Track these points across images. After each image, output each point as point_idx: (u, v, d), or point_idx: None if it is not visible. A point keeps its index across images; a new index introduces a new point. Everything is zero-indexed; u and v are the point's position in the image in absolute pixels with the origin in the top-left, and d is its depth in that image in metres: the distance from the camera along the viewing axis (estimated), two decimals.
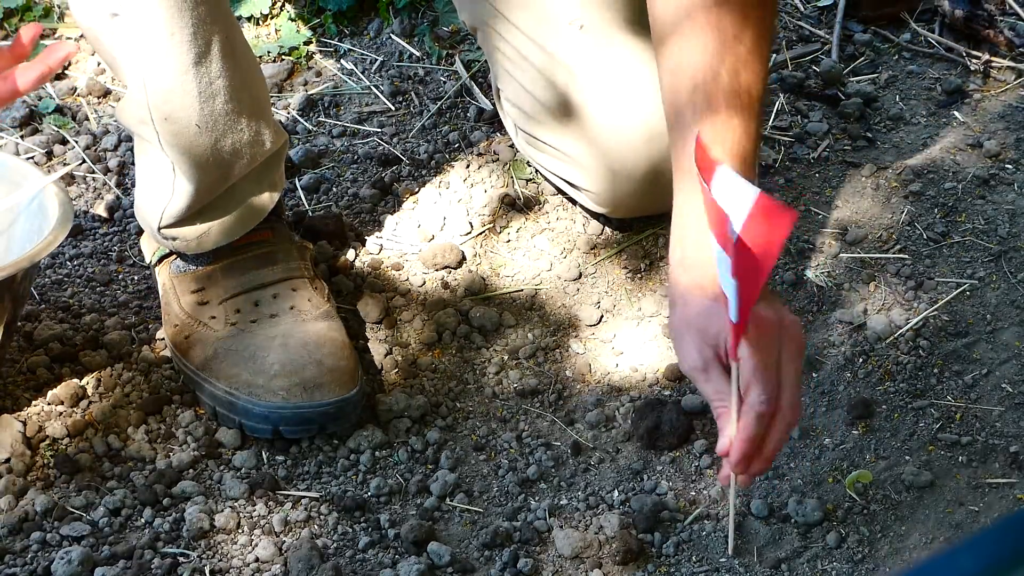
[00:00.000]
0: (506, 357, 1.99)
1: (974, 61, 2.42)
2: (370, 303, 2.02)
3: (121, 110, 1.89)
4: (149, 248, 2.02)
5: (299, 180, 2.21)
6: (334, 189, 2.21)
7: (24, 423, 1.86)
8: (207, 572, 1.73)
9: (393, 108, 2.34)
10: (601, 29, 1.98)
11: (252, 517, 1.79)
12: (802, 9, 2.52)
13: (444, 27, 2.47)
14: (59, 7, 2.51)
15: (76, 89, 2.39)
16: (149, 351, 1.97)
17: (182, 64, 1.78)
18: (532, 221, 2.14)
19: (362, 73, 2.41)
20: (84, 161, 2.26)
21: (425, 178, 2.21)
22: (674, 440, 1.88)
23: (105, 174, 2.24)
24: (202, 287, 1.94)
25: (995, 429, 1.88)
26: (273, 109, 2.30)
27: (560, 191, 2.15)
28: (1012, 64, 2.41)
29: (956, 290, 2.04)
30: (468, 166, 2.21)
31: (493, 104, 2.30)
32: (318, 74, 2.42)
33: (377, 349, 1.99)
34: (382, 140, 2.28)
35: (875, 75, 2.39)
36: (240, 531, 1.77)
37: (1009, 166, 2.22)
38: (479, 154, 2.23)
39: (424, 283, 2.07)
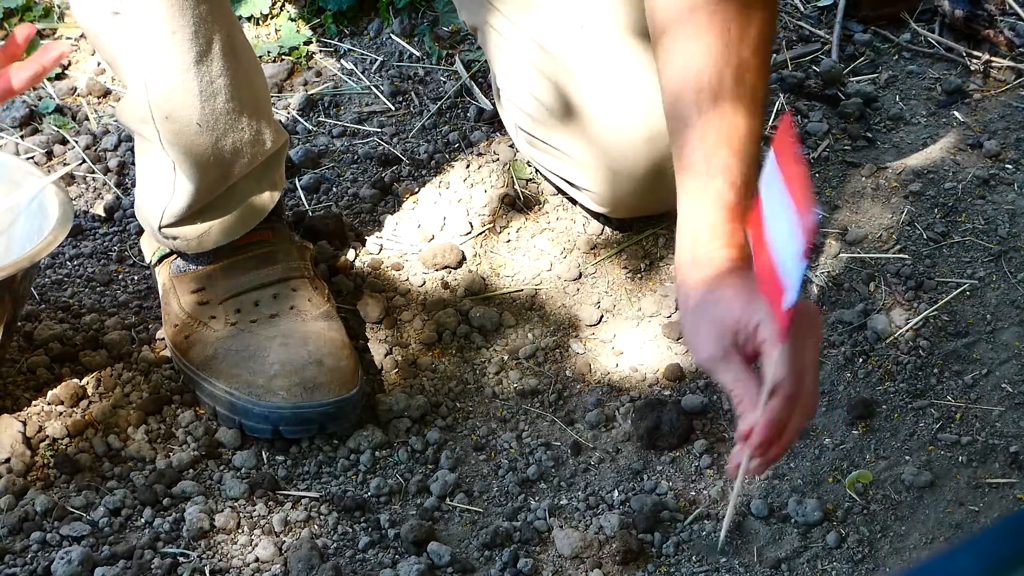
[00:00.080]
0: (506, 357, 1.99)
1: (974, 61, 2.42)
2: (370, 303, 2.02)
3: (122, 109, 1.89)
4: (149, 248, 2.02)
5: (299, 180, 2.21)
6: (334, 189, 2.21)
7: (24, 423, 1.86)
8: (207, 572, 1.73)
9: (393, 108, 2.34)
10: (602, 29, 1.98)
11: (252, 517, 1.79)
12: (802, 9, 2.52)
13: (444, 27, 2.47)
14: (59, 7, 2.51)
15: (76, 89, 2.39)
16: (149, 351, 1.97)
17: (183, 63, 1.78)
18: (532, 221, 2.14)
19: (362, 73, 2.41)
20: (84, 161, 2.26)
21: (425, 178, 2.21)
22: (674, 440, 1.88)
23: (105, 174, 2.24)
24: (202, 287, 1.94)
25: (995, 429, 1.88)
26: (273, 109, 2.30)
27: (560, 191, 2.15)
28: (1012, 64, 2.41)
29: (956, 290, 2.04)
30: (468, 166, 2.21)
31: (493, 104, 2.30)
32: (318, 74, 2.42)
33: (377, 349, 1.99)
34: (382, 140, 2.28)
35: (875, 75, 2.39)
36: (240, 531, 1.77)
37: (1009, 166, 2.22)
38: (479, 154, 2.23)
39: (424, 283, 2.07)
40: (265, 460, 1.85)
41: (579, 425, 1.92)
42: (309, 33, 2.48)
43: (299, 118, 2.33)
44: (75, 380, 1.92)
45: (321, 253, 2.08)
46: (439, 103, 2.34)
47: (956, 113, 2.32)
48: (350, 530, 1.78)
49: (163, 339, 1.97)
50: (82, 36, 2.46)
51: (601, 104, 1.98)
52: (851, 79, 2.38)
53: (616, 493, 1.83)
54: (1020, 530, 0.84)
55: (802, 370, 1.47)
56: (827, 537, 1.78)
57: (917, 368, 1.95)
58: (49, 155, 2.28)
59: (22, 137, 2.30)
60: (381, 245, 2.12)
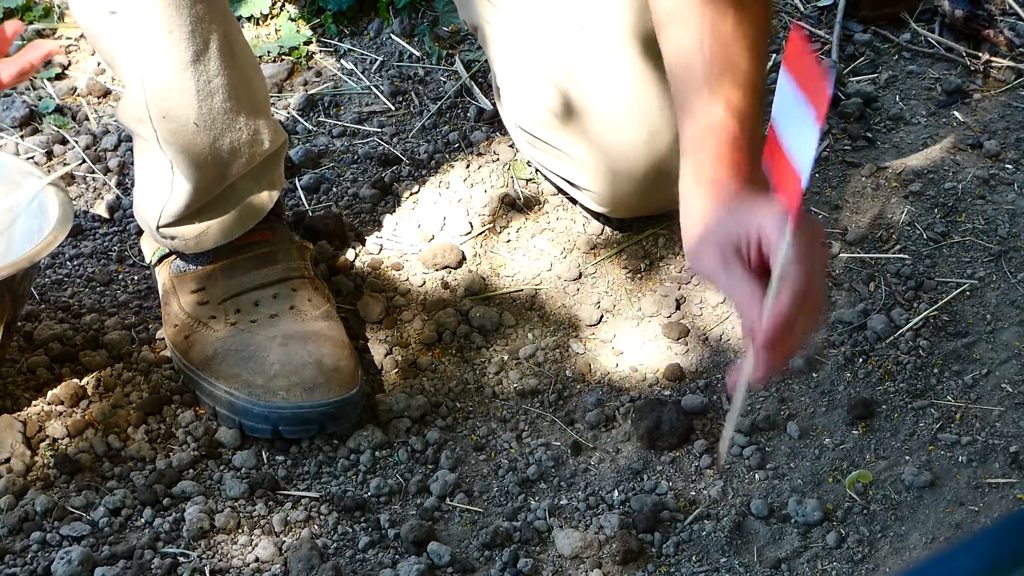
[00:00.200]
0: (506, 357, 1.99)
1: (974, 61, 2.42)
2: (370, 303, 2.02)
3: (120, 109, 1.89)
4: (149, 248, 2.02)
5: (299, 180, 2.21)
6: (334, 189, 2.21)
7: (24, 423, 1.86)
8: (207, 572, 1.73)
9: (393, 108, 2.34)
10: (602, 29, 1.98)
11: (252, 517, 1.79)
12: (802, 9, 2.52)
13: (444, 27, 2.47)
14: (59, 7, 2.51)
15: (76, 89, 2.39)
16: (149, 351, 1.97)
17: (180, 62, 1.77)
18: (532, 221, 2.14)
19: (362, 73, 2.41)
20: (84, 161, 2.26)
21: (425, 178, 2.21)
22: (674, 440, 1.88)
23: (105, 174, 2.24)
24: (202, 287, 1.94)
25: (995, 429, 1.88)
26: (273, 109, 2.30)
27: (560, 190, 2.15)
28: (1012, 64, 2.41)
29: (956, 290, 2.04)
30: (468, 166, 2.21)
31: (493, 104, 2.30)
32: (318, 74, 2.42)
33: (377, 349, 1.99)
34: (382, 140, 2.28)
35: (875, 75, 2.39)
36: (240, 531, 1.77)
37: (1009, 166, 2.22)
38: (479, 154, 2.23)
39: (424, 283, 2.07)
40: (265, 460, 1.85)
41: (579, 425, 1.92)
42: (309, 33, 2.48)
43: (299, 118, 2.33)
44: (75, 380, 1.92)
45: (321, 253, 2.08)
46: (439, 103, 2.34)
47: (956, 113, 2.32)
48: (350, 530, 1.78)
49: (163, 339, 1.97)
50: (82, 36, 2.46)
51: (601, 104, 1.98)
52: (851, 79, 2.38)
53: (616, 493, 1.83)
54: (1020, 530, 0.84)
55: (810, 269, 1.45)
56: (827, 537, 1.78)
57: (917, 368, 1.95)
58: (49, 155, 2.28)
59: (22, 137, 2.30)
60: (381, 245, 2.12)
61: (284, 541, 1.76)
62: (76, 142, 2.28)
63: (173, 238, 1.91)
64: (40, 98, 2.36)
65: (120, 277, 2.09)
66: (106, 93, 2.39)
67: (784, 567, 1.76)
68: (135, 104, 1.83)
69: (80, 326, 2.00)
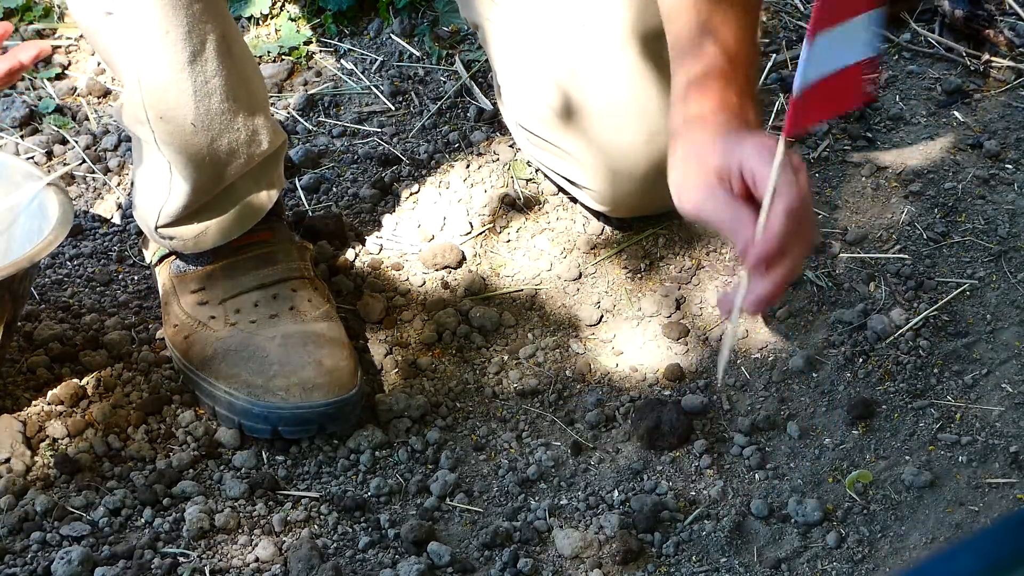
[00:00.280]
0: (506, 357, 1.99)
1: (974, 61, 2.42)
2: (370, 303, 2.02)
3: (118, 109, 1.89)
4: (150, 247, 2.02)
5: (299, 180, 2.21)
6: (334, 189, 2.21)
7: (24, 423, 1.86)
8: (207, 572, 1.73)
9: (393, 108, 2.34)
10: (603, 28, 1.98)
11: (252, 517, 1.79)
12: (802, 9, 2.52)
13: (444, 27, 2.47)
14: (59, 7, 2.51)
15: (76, 89, 2.39)
16: (149, 351, 1.97)
17: (177, 62, 1.77)
18: (532, 221, 2.14)
19: (362, 73, 2.41)
20: (84, 161, 2.26)
21: (425, 178, 2.21)
22: (674, 440, 1.88)
23: (105, 174, 2.24)
24: (202, 287, 1.94)
25: (995, 429, 1.88)
26: (273, 109, 2.30)
27: (561, 189, 2.15)
28: (1012, 64, 2.41)
29: (956, 290, 2.04)
30: (468, 166, 2.21)
31: (493, 104, 2.30)
32: (318, 74, 2.42)
33: (377, 349, 1.99)
34: (382, 140, 2.28)
35: (875, 75, 2.39)
36: (240, 531, 1.77)
37: (1009, 166, 2.22)
38: (479, 154, 2.23)
39: (424, 283, 2.07)
40: (265, 460, 1.85)
41: (579, 425, 1.92)
42: (309, 33, 2.48)
43: (299, 118, 2.33)
44: (75, 380, 1.92)
45: (321, 253, 2.08)
46: (439, 103, 2.34)
47: (956, 113, 2.32)
48: (350, 530, 1.78)
49: (163, 339, 1.97)
50: (82, 36, 2.46)
51: (601, 103, 1.98)
52: None
53: (616, 493, 1.83)
54: (1020, 530, 0.84)
55: (803, 190, 1.44)
56: (827, 537, 1.78)
57: (917, 368, 1.95)
58: (49, 155, 2.28)
59: (22, 137, 2.30)
60: (381, 245, 2.12)
61: (284, 541, 1.76)
62: (76, 142, 2.28)
63: (172, 238, 1.91)
64: (40, 98, 2.36)
65: (120, 277, 2.09)
66: (106, 93, 2.39)
67: (784, 567, 1.76)
68: (132, 105, 1.83)
69: (80, 326, 2.00)
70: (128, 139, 2.26)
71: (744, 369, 1.96)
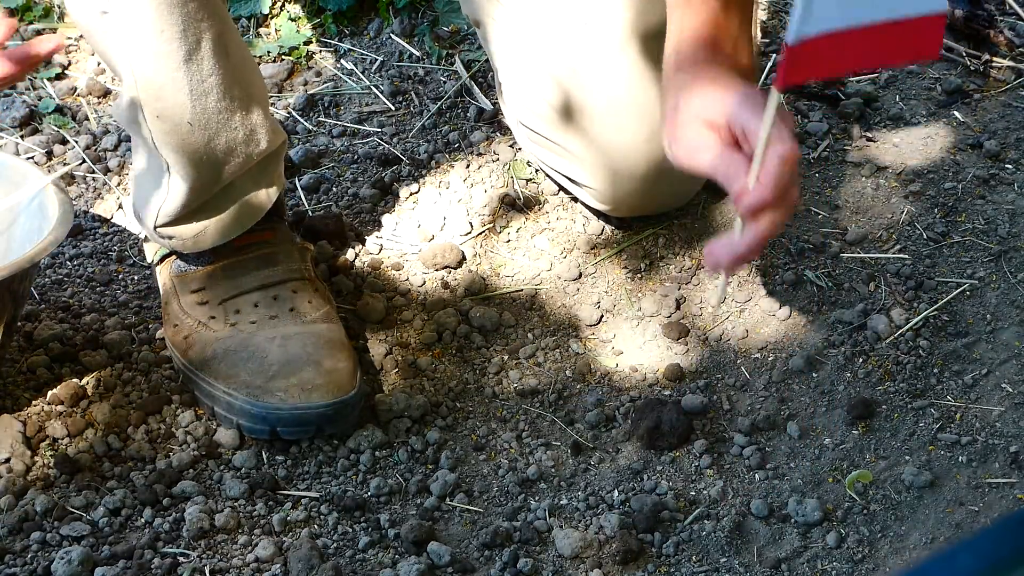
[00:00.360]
0: (506, 357, 1.99)
1: (974, 61, 2.42)
2: (370, 303, 2.02)
3: (115, 108, 1.89)
4: (150, 247, 2.02)
5: (299, 180, 2.21)
6: (334, 189, 2.21)
7: (24, 423, 1.86)
8: (207, 572, 1.73)
9: (393, 108, 2.34)
10: (605, 27, 1.98)
11: (252, 517, 1.79)
12: None
13: (444, 27, 2.47)
14: (59, 7, 2.51)
15: (76, 89, 2.39)
16: (149, 351, 1.97)
17: (172, 61, 1.77)
18: (532, 221, 2.14)
19: (362, 73, 2.41)
20: (84, 161, 2.26)
21: (425, 178, 2.21)
22: (674, 440, 1.88)
23: (105, 174, 2.24)
24: (202, 287, 1.94)
25: (995, 429, 1.88)
26: (273, 109, 2.30)
27: (561, 188, 2.15)
28: (1012, 64, 2.41)
29: (956, 290, 2.04)
30: (468, 166, 2.21)
31: (493, 104, 2.30)
32: (318, 74, 2.42)
33: (377, 349, 1.99)
34: (382, 140, 2.28)
35: (875, 75, 2.39)
36: (240, 531, 1.77)
37: (1009, 166, 2.22)
38: (479, 154, 2.23)
39: (424, 283, 2.07)
40: (265, 460, 1.85)
41: (579, 425, 1.92)
42: (309, 33, 2.48)
43: (299, 118, 2.33)
44: (75, 380, 1.92)
45: (321, 253, 2.08)
46: (439, 103, 2.34)
47: (956, 113, 2.32)
48: (350, 530, 1.78)
49: (163, 339, 1.97)
50: (81, 36, 2.46)
51: (602, 103, 1.98)
52: (851, 79, 2.38)
53: (616, 493, 1.83)
54: (1020, 530, 0.84)
55: (793, 139, 1.44)
56: (827, 537, 1.78)
57: (917, 368, 1.95)
58: (49, 155, 2.28)
59: (22, 137, 2.30)
60: (381, 245, 2.12)
61: (284, 541, 1.76)
62: (76, 142, 2.28)
63: (171, 238, 1.91)
64: (40, 98, 2.36)
65: (120, 277, 2.09)
66: (106, 93, 2.39)
67: (784, 567, 1.76)
68: (129, 103, 1.83)
69: (80, 326, 2.00)
70: (128, 139, 2.27)
71: (744, 369, 1.96)
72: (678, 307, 2.04)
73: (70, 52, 2.46)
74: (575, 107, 2.00)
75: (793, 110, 2.32)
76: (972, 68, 2.41)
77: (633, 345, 2.01)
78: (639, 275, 2.08)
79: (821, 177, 2.20)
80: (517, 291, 2.07)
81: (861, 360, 1.96)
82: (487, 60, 2.36)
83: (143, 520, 1.78)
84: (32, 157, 2.24)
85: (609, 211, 2.08)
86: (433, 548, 1.75)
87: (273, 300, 1.92)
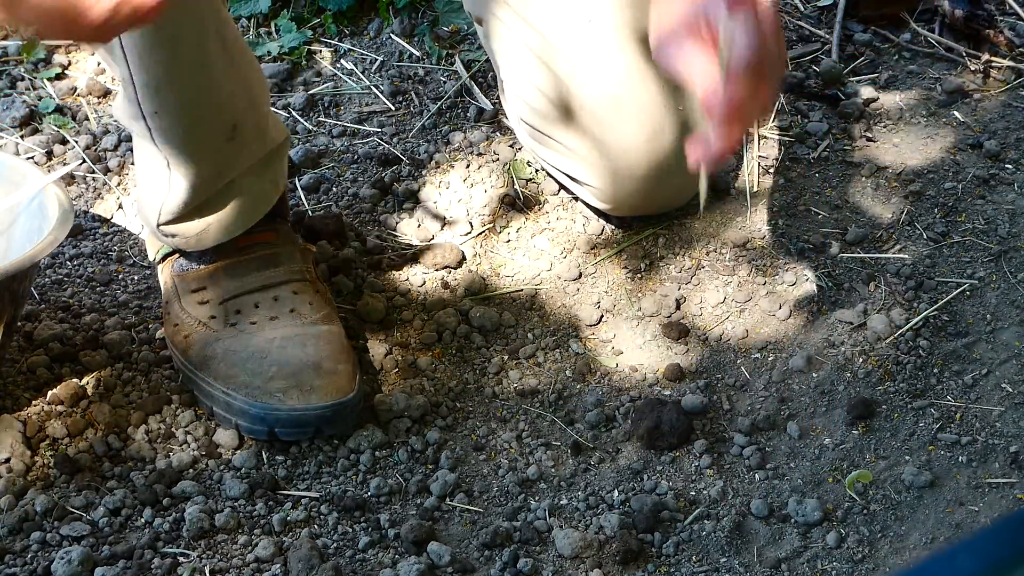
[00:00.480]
0: (506, 357, 1.99)
1: (974, 61, 2.42)
2: (370, 303, 2.02)
3: (115, 106, 1.89)
4: (152, 246, 2.02)
5: (299, 180, 2.21)
6: (334, 189, 2.21)
7: (24, 423, 1.86)
8: (207, 572, 1.73)
9: (393, 108, 2.34)
10: (607, 26, 1.98)
11: (252, 517, 1.79)
12: (802, 9, 2.53)
13: (444, 27, 2.47)
14: None
15: (76, 89, 2.39)
16: (149, 351, 1.97)
17: (170, 58, 1.77)
18: (532, 221, 2.14)
19: (362, 73, 2.41)
20: (84, 161, 2.26)
21: (425, 178, 2.21)
22: (674, 440, 1.88)
23: (105, 174, 2.24)
24: (203, 287, 1.94)
25: (995, 429, 1.88)
26: (273, 109, 2.30)
27: (562, 186, 2.15)
28: (1012, 64, 2.41)
29: (956, 290, 2.04)
30: (468, 166, 2.21)
31: (493, 104, 2.30)
32: (318, 74, 2.42)
33: (377, 349, 1.99)
34: (382, 140, 2.28)
35: (875, 75, 2.39)
36: (240, 531, 1.77)
37: (1009, 166, 2.22)
38: (479, 154, 2.23)
39: (424, 283, 2.07)
40: (265, 460, 1.85)
41: (579, 425, 1.92)
42: (309, 33, 2.48)
43: (299, 118, 2.33)
44: (75, 380, 1.92)
45: (321, 253, 2.08)
46: (439, 103, 2.34)
47: (956, 113, 2.32)
48: (350, 530, 1.78)
49: (163, 339, 1.97)
50: None
51: (602, 102, 1.98)
52: (851, 79, 2.38)
53: (616, 493, 1.83)
54: (1020, 530, 0.84)
55: (758, 36, 1.43)
56: (827, 537, 1.78)
57: (917, 368, 1.95)
58: (49, 155, 2.28)
59: (22, 137, 2.30)
60: (381, 245, 2.12)
61: (284, 541, 1.76)
62: (76, 142, 2.28)
63: (174, 236, 1.91)
64: (40, 98, 2.36)
65: (120, 277, 2.09)
66: (106, 93, 2.39)
67: (784, 567, 1.76)
68: (127, 101, 1.82)
69: (80, 326, 2.00)
70: (128, 138, 2.27)
71: (744, 369, 1.96)
72: (678, 307, 2.04)
73: (70, 52, 2.46)
74: (576, 105, 2.00)
75: (793, 110, 2.32)
76: (972, 68, 2.41)
77: (633, 345, 2.01)
78: (639, 275, 2.08)
79: (821, 177, 2.20)
80: (517, 291, 2.07)
81: (861, 360, 1.96)
82: (487, 60, 2.36)
83: (143, 520, 1.78)
84: (32, 157, 2.24)
85: (609, 210, 2.08)
86: (433, 548, 1.75)
87: (274, 301, 1.92)
